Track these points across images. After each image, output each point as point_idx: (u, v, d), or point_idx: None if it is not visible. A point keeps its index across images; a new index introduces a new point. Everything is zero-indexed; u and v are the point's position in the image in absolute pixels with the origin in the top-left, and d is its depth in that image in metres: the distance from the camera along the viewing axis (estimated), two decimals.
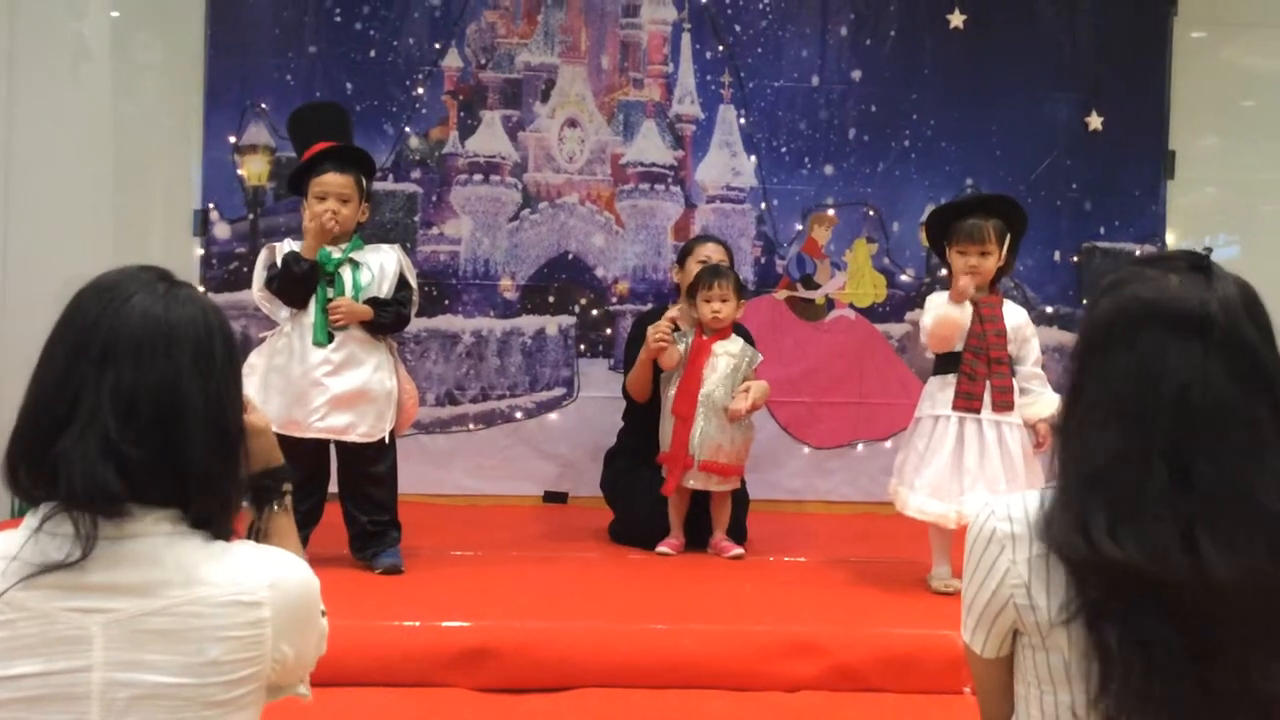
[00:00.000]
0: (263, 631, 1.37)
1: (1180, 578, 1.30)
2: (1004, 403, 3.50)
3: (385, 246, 3.72)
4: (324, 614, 1.52)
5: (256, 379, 3.51)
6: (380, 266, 3.61)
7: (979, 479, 3.41)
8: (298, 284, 3.52)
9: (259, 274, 3.62)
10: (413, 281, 3.70)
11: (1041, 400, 3.55)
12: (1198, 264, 1.41)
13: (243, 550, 1.42)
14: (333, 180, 3.54)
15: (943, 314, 3.53)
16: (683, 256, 4.32)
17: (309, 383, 3.49)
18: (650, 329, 3.96)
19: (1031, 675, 1.46)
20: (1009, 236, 3.57)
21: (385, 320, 3.60)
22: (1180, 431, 1.34)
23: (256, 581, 1.37)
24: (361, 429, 3.53)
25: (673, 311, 4.04)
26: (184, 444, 1.36)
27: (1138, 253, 5.17)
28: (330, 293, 3.53)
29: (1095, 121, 5.16)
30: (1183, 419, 1.34)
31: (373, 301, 3.57)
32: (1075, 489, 1.38)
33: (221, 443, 1.41)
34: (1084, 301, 5.16)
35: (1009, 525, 1.44)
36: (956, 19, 5.10)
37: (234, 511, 1.45)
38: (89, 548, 1.31)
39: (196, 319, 1.41)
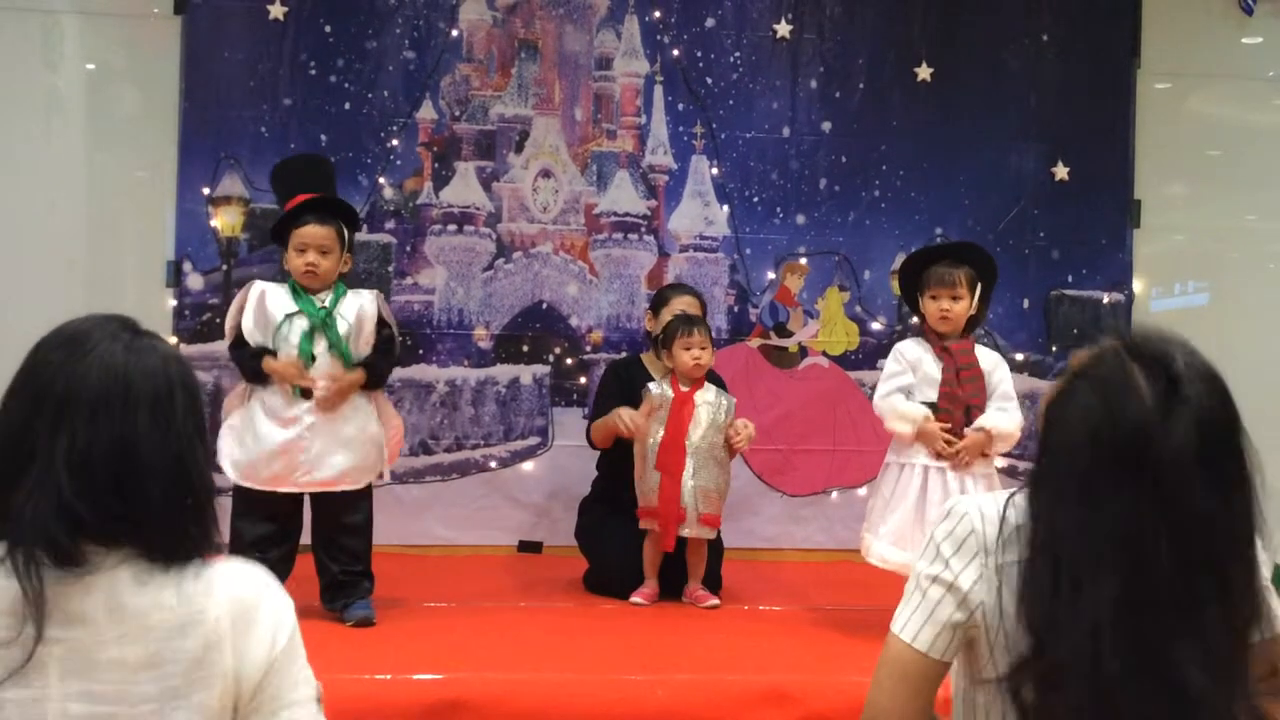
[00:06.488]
0: (222, 653, 1.36)
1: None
2: None
3: (365, 292, 3.67)
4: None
5: (233, 437, 3.49)
6: (358, 316, 3.58)
7: None
8: (256, 376, 3.52)
9: (231, 320, 3.58)
10: (391, 321, 3.67)
11: (1006, 415, 3.55)
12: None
13: (204, 570, 1.39)
14: (313, 232, 3.54)
15: (906, 428, 3.51)
16: (657, 306, 4.34)
17: (290, 439, 3.46)
18: (630, 420, 3.95)
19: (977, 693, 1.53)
20: (981, 286, 3.62)
21: (379, 374, 3.62)
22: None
23: (213, 600, 1.36)
24: (350, 477, 3.52)
25: (644, 410, 3.99)
26: (140, 502, 1.36)
27: (1105, 300, 5.24)
28: (320, 345, 3.49)
29: (1061, 171, 5.23)
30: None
31: (361, 363, 3.56)
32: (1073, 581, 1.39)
33: (184, 496, 1.40)
34: (1053, 348, 5.22)
35: (983, 529, 1.50)
36: (924, 72, 5.17)
37: (204, 543, 1.42)
38: (39, 603, 1.30)
39: (157, 371, 1.41)
